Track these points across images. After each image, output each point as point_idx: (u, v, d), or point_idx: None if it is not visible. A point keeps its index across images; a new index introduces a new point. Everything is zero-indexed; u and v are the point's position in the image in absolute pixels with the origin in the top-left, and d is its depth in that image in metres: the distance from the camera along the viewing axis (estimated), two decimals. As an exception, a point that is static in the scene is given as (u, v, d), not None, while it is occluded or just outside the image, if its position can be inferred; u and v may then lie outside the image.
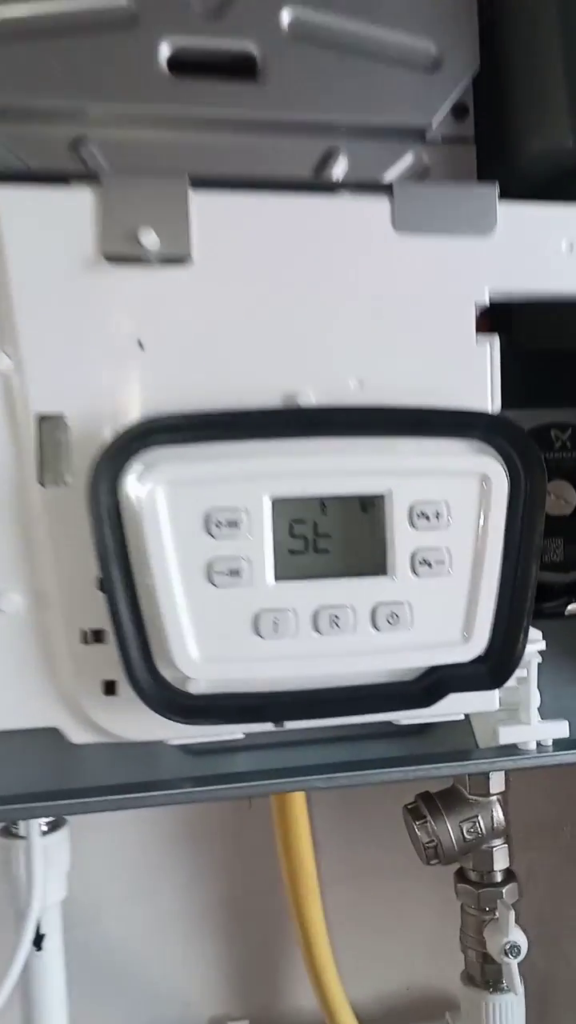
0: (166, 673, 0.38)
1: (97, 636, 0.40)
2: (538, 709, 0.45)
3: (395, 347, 0.40)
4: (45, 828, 0.63)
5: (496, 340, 0.42)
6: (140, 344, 0.39)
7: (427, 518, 0.39)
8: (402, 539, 0.39)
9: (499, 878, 0.66)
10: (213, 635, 0.38)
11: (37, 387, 0.38)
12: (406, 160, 0.49)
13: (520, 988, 0.65)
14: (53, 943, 0.65)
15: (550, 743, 0.46)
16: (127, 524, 0.37)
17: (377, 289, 0.40)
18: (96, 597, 0.38)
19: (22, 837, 0.60)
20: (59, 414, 0.39)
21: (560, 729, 0.45)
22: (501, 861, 0.66)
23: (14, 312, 0.38)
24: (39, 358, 0.38)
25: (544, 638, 0.44)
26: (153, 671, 0.38)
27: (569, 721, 0.45)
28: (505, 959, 0.64)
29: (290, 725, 0.41)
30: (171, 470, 0.37)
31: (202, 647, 0.38)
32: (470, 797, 0.64)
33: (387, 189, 0.40)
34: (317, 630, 0.39)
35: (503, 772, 0.64)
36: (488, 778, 0.63)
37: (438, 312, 0.41)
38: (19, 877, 0.60)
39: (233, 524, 0.38)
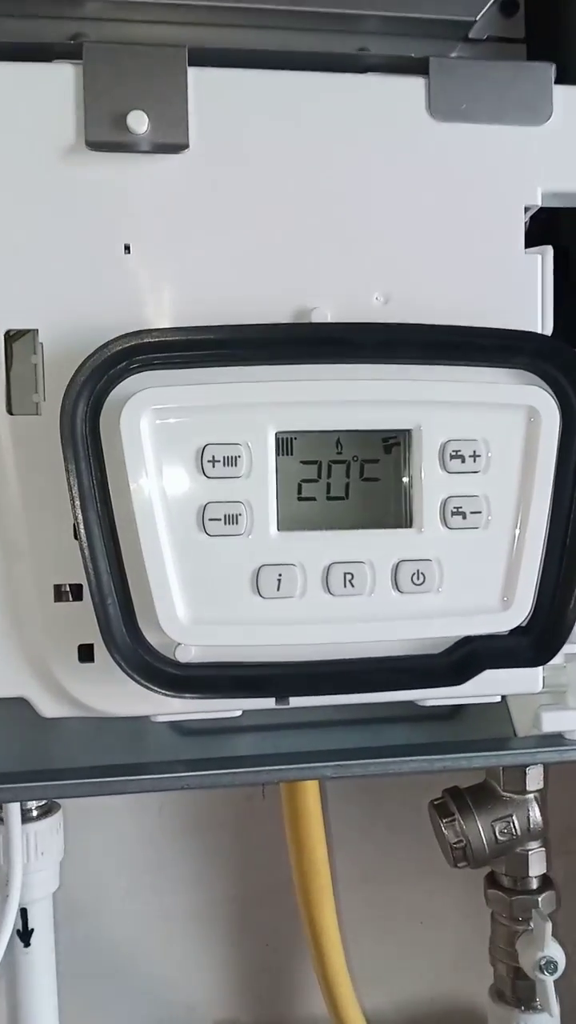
0: (150, 637, 0.36)
1: (74, 593, 0.37)
2: (589, 692, 0.42)
3: (428, 256, 0.38)
4: (36, 813, 0.59)
5: (549, 252, 0.38)
6: (126, 247, 0.36)
7: (462, 459, 0.36)
8: (431, 484, 0.36)
9: (534, 885, 0.63)
10: (205, 593, 0.36)
11: (5, 298, 0.36)
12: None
13: (556, 1008, 0.61)
14: (42, 939, 0.61)
15: (601, 733, 0.43)
16: (107, 459, 0.35)
17: (408, 187, 0.38)
18: (72, 547, 0.35)
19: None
20: (31, 329, 0.36)
21: (614, 717, 0.42)
22: (537, 866, 0.63)
23: (-22, 208, 0.35)
24: (8, 264, 0.36)
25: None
26: (135, 634, 0.36)
27: (625, 708, 0.42)
28: (539, 975, 0.60)
29: (295, 702, 0.38)
30: (159, 395, 0.34)
31: (192, 607, 0.36)
32: (504, 794, 0.61)
33: (422, 66, 0.37)
34: (328, 590, 0.36)
35: (542, 766, 0.60)
36: (525, 772, 0.60)
37: (480, 215, 0.38)
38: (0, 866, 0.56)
39: (231, 462, 0.35)
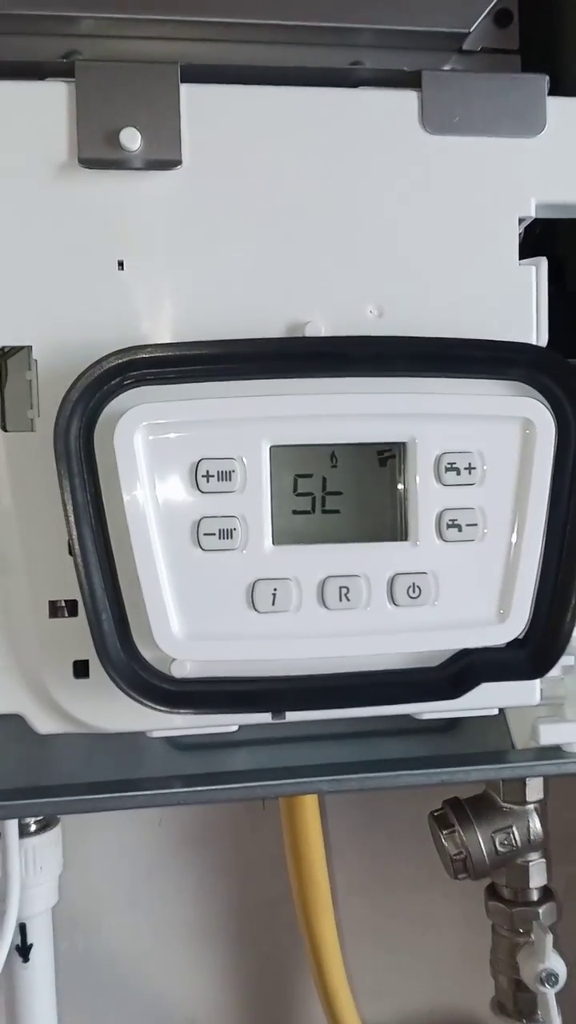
0: (145, 653, 0.35)
1: (69, 608, 0.37)
2: (587, 705, 0.42)
3: (421, 269, 0.37)
4: (34, 828, 0.59)
5: (543, 264, 0.38)
6: (120, 264, 0.36)
7: (457, 472, 0.36)
8: (427, 497, 0.36)
9: (535, 896, 0.62)
10: (200, 608, 0.35)
11: (-1, 315, 0.35)
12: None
13: (558, 1021, 0.60)
14: (42, 953, 0.61)
15: (600, 745, 0.42)
16: (101, 475, 0.34)
17: (401, 199, 0.37)
18: (67, 562, 0.35)
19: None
20: (25, 346, 0.36)
21: (612, 729, 0.42)
22: (538, 877, 0.62)
23: (-28, 226, 0.35)
24: (1, 280, 0.35)
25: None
26: (130, 650, 0.35)
27: (624, 720, 0.42)
28: (541, 988, 0.60)
29: (292, 717, 0.38)
30: (152, 411, 0.34)
31: (187, 622, 0.35)
32: (504, 805, 0.60)
33: (415, 79, 0.37)
34: (324, 604, 0.36)
35: (542, 778, 0.60)
36: (525, 784, 0.60)
37: (474, 227, 0.38)
38: (-1, 881, 0.56)
39: (225, 477, 0.35)
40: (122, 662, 0.35)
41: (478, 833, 0.59)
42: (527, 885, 0.61)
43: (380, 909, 0.75)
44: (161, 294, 0.36)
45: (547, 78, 0.37)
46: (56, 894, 0.60)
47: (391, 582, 0.36)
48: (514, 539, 0.36)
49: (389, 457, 0.36)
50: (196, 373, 0.35)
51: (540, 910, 0.61)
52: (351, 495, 0.36)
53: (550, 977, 0.59)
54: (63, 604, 0.37)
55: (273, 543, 0.35)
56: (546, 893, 0.62)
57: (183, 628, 0.35)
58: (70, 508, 0.34)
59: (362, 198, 0.37)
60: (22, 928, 0.58)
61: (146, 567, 0.34)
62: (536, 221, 0.39)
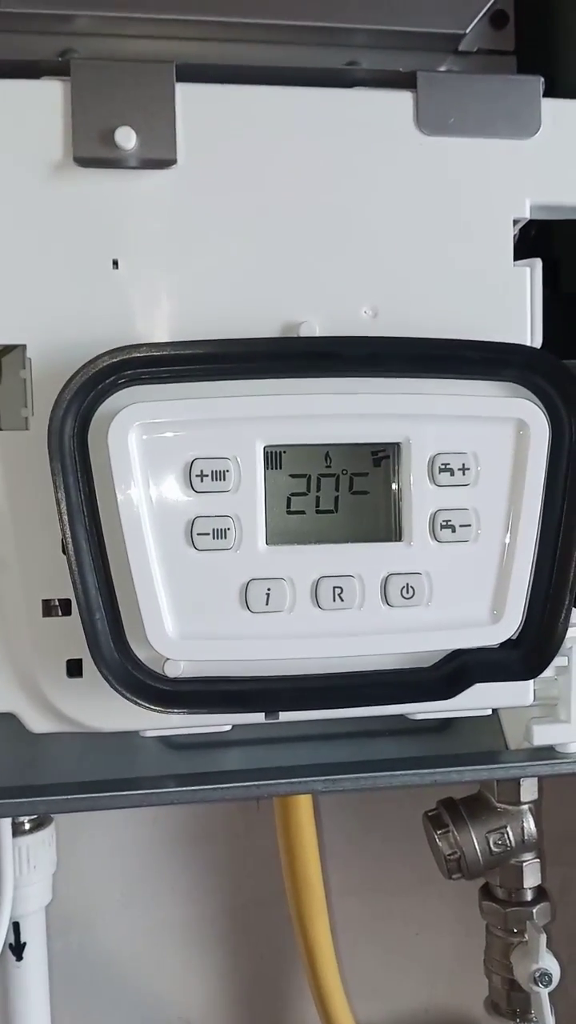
0: (139, 652, 0.35)
1: (63, 607, 0.37)
2: (580, 705, 0.42)
3: (416, 270, 0.37)
4: (28, 826, 0.59)
5: (538, 265, 0.38)
6: (114, 262, 0.36)
7: (451, 472, 0.36)
8: (421, 498, 0.36)
9: (529, 896, 0.62)
10: (193, 608, 0.35)
11: (-6, 313, 0.35)
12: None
13: (551, 1021, 0.60)
14: (35, 953, 0.61)
15: (593, 745, 0.42)
16: (95, 474, 0.34)
17: (396, 200, 0.37)
18: (61, 561, 0.35)
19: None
20: (19, 344, 0.35)
21: (605, 729, 0.42)
22: (532, 877, 0.62)
23: (-34, 225, 0.35)
24: None
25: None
26: (123, 649, 0.35)
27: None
28: (534, 988, 0.59)
29: (285, 717, 0.38)
30: (146, 410, 0.34)
31: (180, 622, 0.35)
32: (498, 805, 0.60)
33: (410, 80, 0.36)
34: (317, 604, 0.36)
35: (536, 778, 0.60)
36: (519, 784, 0.60)
37: (469, 228, 0.37)
38: (-9, 879, 0.56)
39: (219, 476, 0.35)
40: (115, 661, 0.35)
41: (472, 833, 0.59)
42: (521, 885, 0.61)
43: (374, 910, 0.75)
44: (156, 293, 0.36)
45: (541, 79, 0.37)
46: (50, 893, 0.60)
47: (385, 582, 0.36)
48: (508, 540, 0.36)
49: (383, 457, 0.36)
50: (190, 373, 0.34)
51: (534, 910, 0.61)
52: (345, 495, 0.36)
53: (544, 977, 0.59)
54: (56, 603, 0.36)
55: (267, 543, 0.35)
56: (540, 893, 0.62)
57: (177, 628, 0.35)
58: (64, 507, 0.34)
59: (357, 198, 0.37)
60: (16, 927, 0.58)
61: (140, 566, 0.34)
62: (531, 222, 0.39)
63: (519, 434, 0.36)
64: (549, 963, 0.59)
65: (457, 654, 0.37)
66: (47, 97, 0.35)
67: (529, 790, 0.60)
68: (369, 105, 0.37)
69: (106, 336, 0.35)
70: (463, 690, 0.37)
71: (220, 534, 0.35)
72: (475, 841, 0.59)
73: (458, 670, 0.37)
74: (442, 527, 0.36)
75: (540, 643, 0.37)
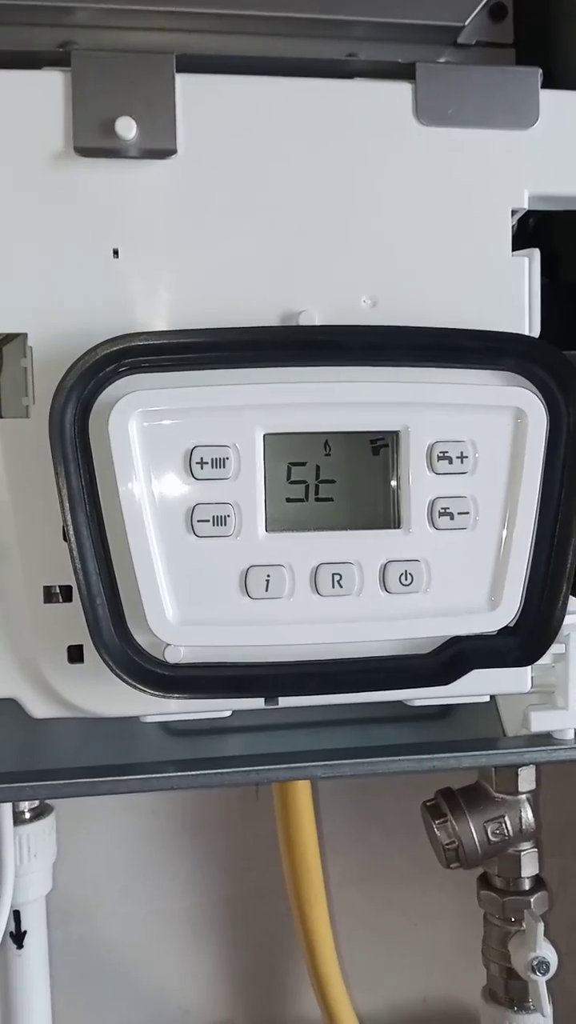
0: (139, 638, 0.36)
1: (64, 594, 0.37)
2: (577, 692, 0.42)
3: (415, 260, 0.37)
4: (28, 815, 0.59)
5: (536, 255, 0.38)
6: (115, 252, 0.36)
7: (449, 460, 0.36)
8: (419, 485, 0.36)
9: (527, 885, 0.62)
10: (194, 594, 0.35)
11: (-5, 302, 0.35)
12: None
13: (548, 1009, 0.60)
14: (36, 941, 0.61)
15: (590, 732, 0.42)
16: (96, 461, 0.34)
17: (395, 191, 0.37)
18: (62, 548, 0.35)
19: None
20: (21, 333, 0.35)
21: (603, 716, 0.42)
22: (529, 867, 0.62)
23: (-32, 213, 0.35)
24: None
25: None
26: (124, 635, 0.35)
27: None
28: (532, 976, 0.59)
29: (285, 702, 0.38)
30: (147, 398, 0.34)
31: (181, 608, 0.35)
32: (496, 795, 0.60)
33: (409, 71, 0.36)
34: (316, 591, 0.36)
35: (534, 766, 0.60)
36: (517, 773, 0.59)
37: (467, 219, 0.37)
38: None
39: (219, 464, 0.35)
40: (116, 647, 0.35)
41: (470, 823, 0.59)
42: (519, 874, 0.61)
43: (373, 899, 0.75)
44: (156, 282, 0.36)
45: (540, 71, 0.37)
46: (50, 882, 0.60)
47: (383, 569, 0.36)
48: (505, 528, 0.36)
49: (382, 446, 0.36)
50: (191, 361, 0.35)
51: (532, 899, 0.61)
52: (344, 483, 0.36)
53: (541, 965, 0.59)
54: (58, 590, 0.37)
55: (266, 530, 0.35)
56: (538, 882, 0.62)
57: (177, 613, 0.35)
58: (65, 494, 0.34)
59: (356, 189, 0.37)
60: (16, 915, 0.58)
61: (140, 553, 0.34)
62: (530, 213, 0.39)
63: (517, 422, 0.36)
64: (546, 951, 0.59)
65: (455, 641, 0.37)
66: (48, 88, 0.35)
67: (527, 780, 0.60)
68: (368, 96, 0.37)
69: (107, 325, 0.35)
70: (461, 676, 0.37)
71: (220, 521, 0.35)
72: (473, 831, 0.59)
73: (456, 656, 0.37)
74: (440, 515, 0.36)
75: (537, 630, 0.37)
